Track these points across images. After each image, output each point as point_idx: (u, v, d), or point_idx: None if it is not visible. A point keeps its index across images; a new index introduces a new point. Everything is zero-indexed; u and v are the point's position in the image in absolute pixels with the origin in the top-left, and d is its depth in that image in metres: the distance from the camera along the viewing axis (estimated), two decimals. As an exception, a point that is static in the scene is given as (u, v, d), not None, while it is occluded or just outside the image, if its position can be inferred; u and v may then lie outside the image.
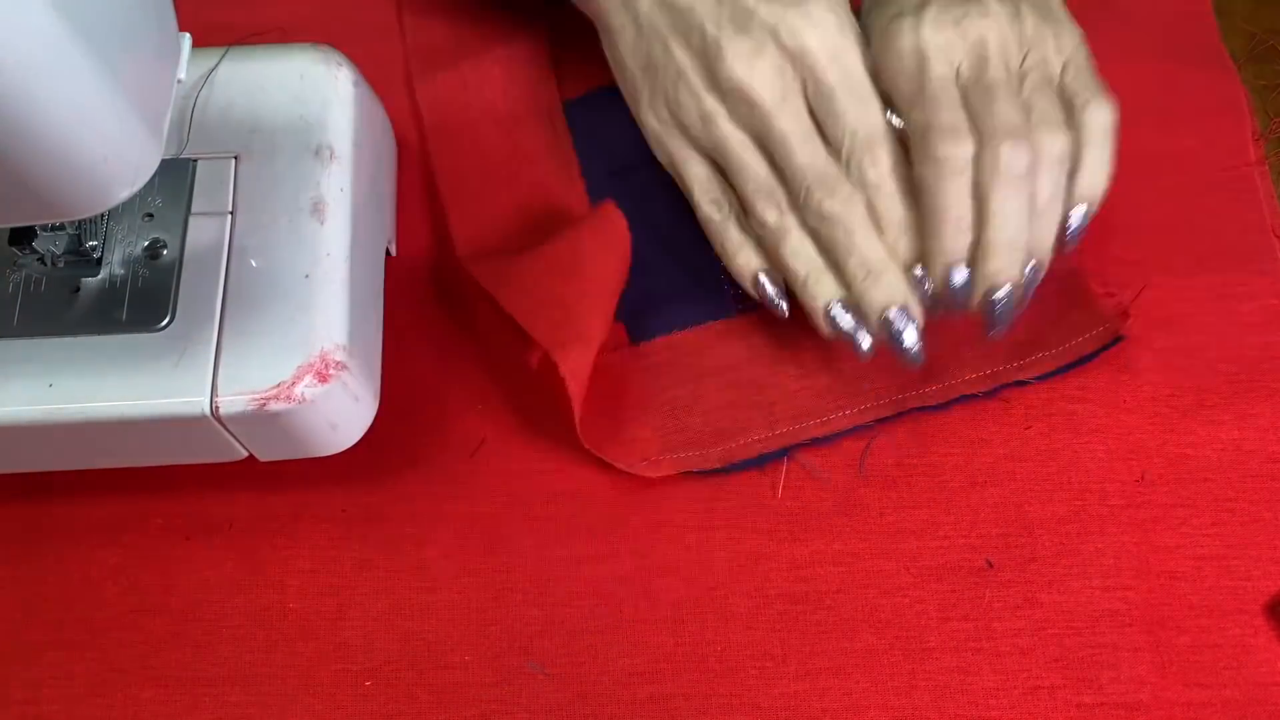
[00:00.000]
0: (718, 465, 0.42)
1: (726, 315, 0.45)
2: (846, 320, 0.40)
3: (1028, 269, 0.39)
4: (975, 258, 0.39)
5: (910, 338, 0.39)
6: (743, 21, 0.40)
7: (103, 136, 0.27)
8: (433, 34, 0.51)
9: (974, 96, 0.39)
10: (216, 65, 0.41)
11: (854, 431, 0.43)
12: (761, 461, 0.42)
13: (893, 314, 0.39)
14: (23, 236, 0.37)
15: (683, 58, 0.41)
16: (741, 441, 0.43)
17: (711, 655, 0.40)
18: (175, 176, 0.39)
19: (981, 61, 0.39)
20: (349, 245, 0.39)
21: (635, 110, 0.44)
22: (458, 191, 0.47)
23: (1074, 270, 0.44)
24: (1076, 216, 0.40)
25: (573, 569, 0.41)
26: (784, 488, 0.42)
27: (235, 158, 0.40)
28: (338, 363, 0.37)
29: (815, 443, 0.43)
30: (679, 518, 0.42)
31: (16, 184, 0.27)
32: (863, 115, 0.40)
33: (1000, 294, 0.38)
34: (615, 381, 0.44)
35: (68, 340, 0.37)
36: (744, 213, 0.42)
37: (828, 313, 0.40)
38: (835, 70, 0.40)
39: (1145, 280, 0.45)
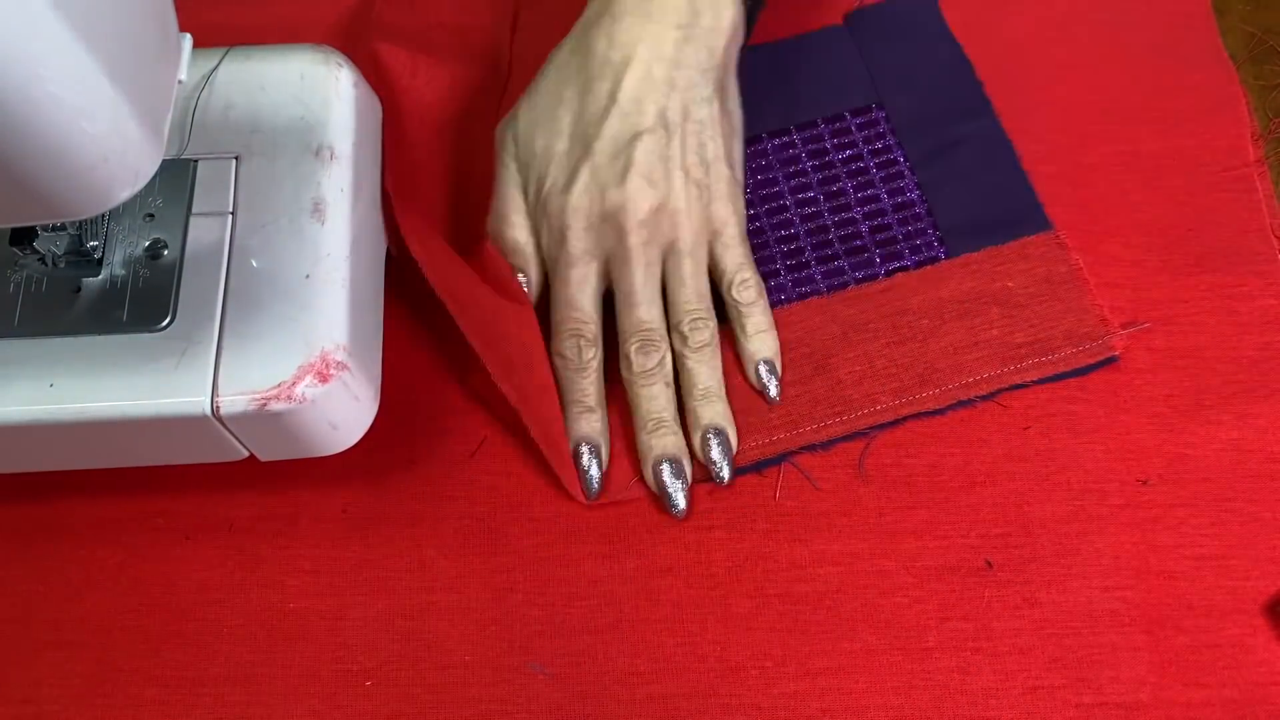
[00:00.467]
0: None
1: (722, 321, 0.45)
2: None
3: (714, 444, 0.42)
4: (638, 443, 0.42)
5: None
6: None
7: (103, 137, 0.27)
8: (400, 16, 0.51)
9: (616, 294, 0.42)
10: (217, 66, 0.41)
11: (851, 438, 0.43)
12: (759, 467, 0.42)
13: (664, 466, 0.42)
14: (24, 236, 0.37)
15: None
16: (739, 448, 0.43)
17: (711, 655, 0.40)
18: (176, 177, 0.39)
19: (624, 263, 0.42)
20: (349, 245, 0.39)
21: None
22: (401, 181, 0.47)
23: (1075, 275, 0.45)
24: (765, 380, 0.43)
25: (573, 569, 0.41)
26: (783, 488, 0.42)
27: (236, 158, 0.40)
28: (338, 363, 0.37)
29: (812, 449, 0.43)
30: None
31: (17, 184, 0.27)
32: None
33: (662, 471, 0.41)
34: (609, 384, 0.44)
35: (68, 340, 0.37)
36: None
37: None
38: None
39: (1145, 280, 0.45)
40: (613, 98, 0.42)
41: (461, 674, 0.40)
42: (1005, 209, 0.46)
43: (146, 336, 0.37)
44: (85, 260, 0.38)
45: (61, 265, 0.38)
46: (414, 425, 0.44)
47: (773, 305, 0.45)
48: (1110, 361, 0.43)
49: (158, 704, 0.40)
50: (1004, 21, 0.51)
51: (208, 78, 0.41)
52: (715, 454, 0.41)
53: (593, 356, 0.42)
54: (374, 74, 0.47)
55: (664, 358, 0.42)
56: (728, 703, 0.39)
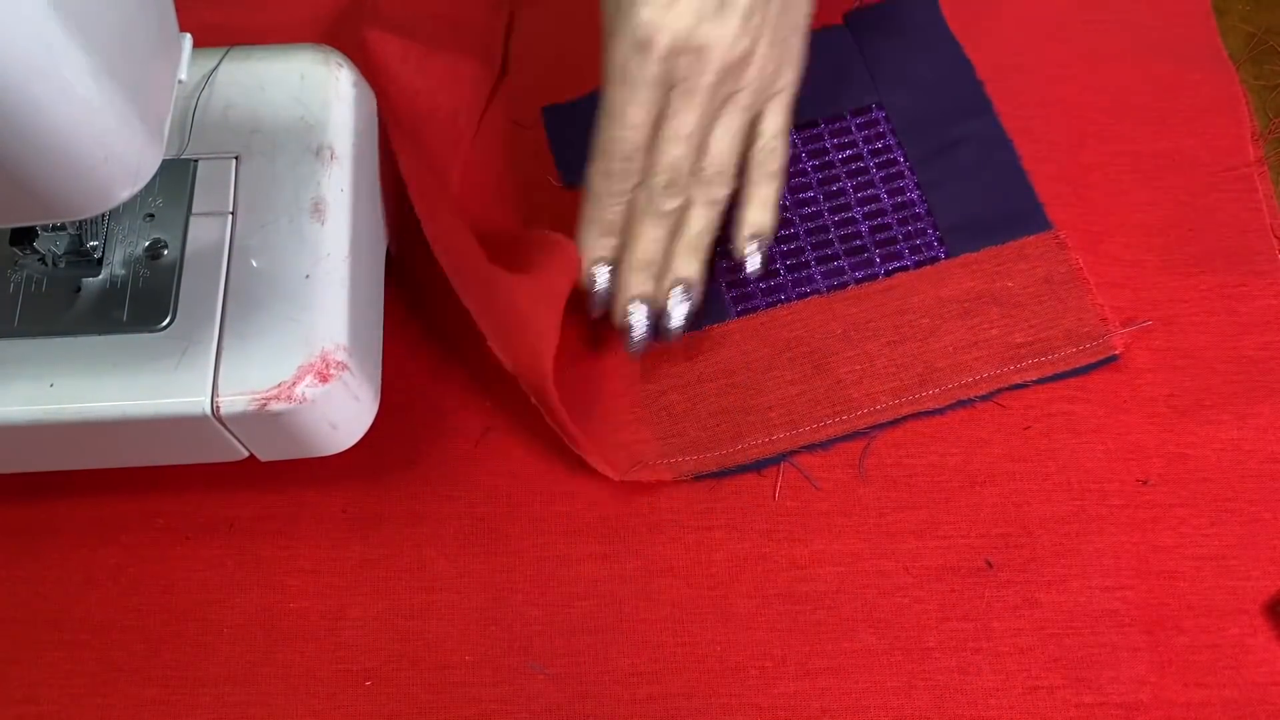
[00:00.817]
0: (715, 469, 0.42)
1: (723, 319, 0.45)
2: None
3: (675, 293, 0.42)
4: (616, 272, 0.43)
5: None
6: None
7: (104, 137, 0.27)
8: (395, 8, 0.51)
9: (668, 115, 0.41)
10: (217, 66, 0.41)
11: (851, 438, 0.43)
12: (759, 466, 0.43)
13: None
14: (24, 236, 0.37)
15: None
16: (738, 447, 0.43)
17: (711, 655, 0.40)
18: (176, 177, 0.39)
19: (696, 70, 0.41)
20: (349, 245, 0.39)
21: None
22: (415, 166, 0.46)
23: (1075, 275, 0.45)
24: (749, 252, 0.43)
25: (573, 569, 0.41)
26: (783, 488, 0.42)
27: (236, 158, 0.40)
28: (338, 363, 0.37)
29: (812, 448, 0.43)
30: (679, 518, 0.42)
31: (17, 184, 0.27)
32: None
33: (634, 309, 0.42)
34: (612, 381, 0.44)
35: (68, 340, 0.37)
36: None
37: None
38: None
39: (1145, 280, 0.45)
40: None
41: (461, 674, 0.40)
42: (1005, 209, 0.46)
43: (146, 336, 0.37)
44: (85, 260, 0.38)
45: (61, 265, 0.38)
46: (414, 425, 0.44)
47: (773, 305, 0.45)
48: (1111, 360, 0.43)
49: (158, 704, 0.40)
50: (1004, 21, 0.51)
51: (208, 78, 0.41)
52: (675, 304, 0.42)
53: (635, 184, 0.43)
54: (364, 61, 0.47)
55: (681, 206, 0.42)
56: (728, 703, 0.39)
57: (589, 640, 0.40)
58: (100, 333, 0.37)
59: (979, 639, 0.39)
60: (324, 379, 0.36)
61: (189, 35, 0.32)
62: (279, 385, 0.36)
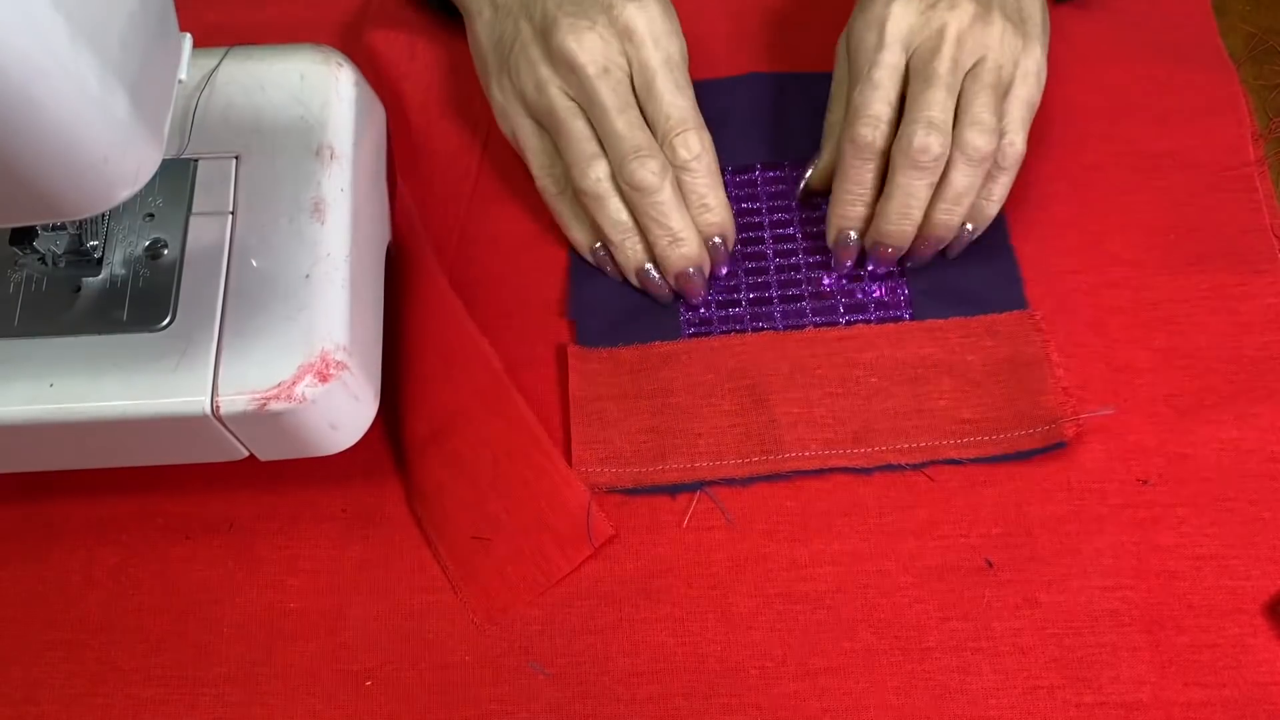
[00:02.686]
0: (630, 486, 0.42)
1: (674, 337, 0.45)
2: (654, 276, 0.45)
3: (927, 245, 0.44)
4: (873, 222, 0.44)
5: (695, 293, 0.45)
6: (579, 1, 0.43)
7: (103, 136, 0.27)
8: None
9: (914, 80, 0.42)
10: (217, 66, 0.41)
11: (772, 479, 0.42)
12: (673, 491, 0.42)
13: (690, 271, 0.44)
14: (24, 236, 0.37)
15: (526, 31, 0.44)
16: (658, 468, 0.42)
17: (711, 655, 0.40)
18: (176, 176, 0.39)
19: (935, 50, 0.42)
20: (349, 245, 0.39)
21: (486, 87, 0.46)
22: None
23: (1041, 359, 0.43)
24: (964, 232, 0.44)
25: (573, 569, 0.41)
26: (785, 487, 0.42)
27: (236, 158, 0.40)
28: (338, 362, 0.37)
29: (730, 483, 0.42)
30: (678, 519, 0.42)
31: (17, 184, 0.27)
32: (677, 99, 0.43)
33: (885, 256, 0.44)
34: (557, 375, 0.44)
35: (68, 340, 0.37)
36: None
37: (639, 271, 0.45)
38: (657, 54, 0.43)
39: (1145, 280, 0.45)
40: None
41: (461, 674, 0.40)
42: (984, 280, 0.45)
43: (146, 336, 0.37)
44: (85, 260, 0.38)
45: (61, 265, 0.38)
46: (414, 425, 0.44)
47: (726, 333, 0.45)
48: (1058, 447, 0.42)
49: (158, 704, 0.40)
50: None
51: (208, 78, 0.41)
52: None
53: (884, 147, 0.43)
54: (371, 68, 0.47)
55: (938, 160, 0.42)
56: (728, 703, 0.39)
57: (589, 640, 0.40)
58: (100, 333, 0.37)
59: (979, 639, 0.39)
60: (324, 379, 0.36)
61: (189, 35, 0.32)
62: (279, 385, 0.36)
